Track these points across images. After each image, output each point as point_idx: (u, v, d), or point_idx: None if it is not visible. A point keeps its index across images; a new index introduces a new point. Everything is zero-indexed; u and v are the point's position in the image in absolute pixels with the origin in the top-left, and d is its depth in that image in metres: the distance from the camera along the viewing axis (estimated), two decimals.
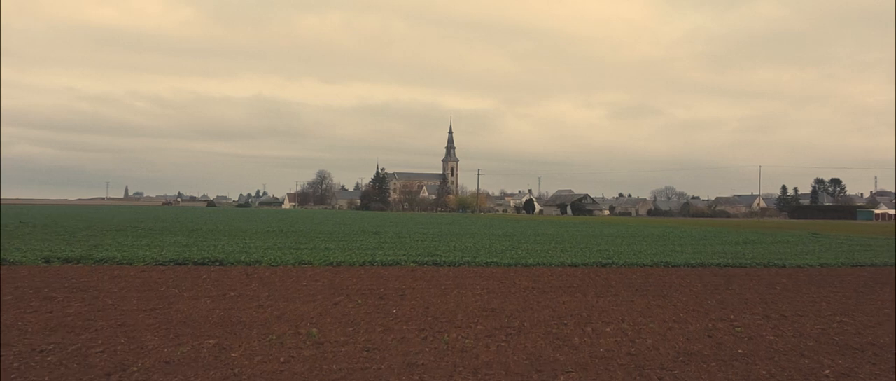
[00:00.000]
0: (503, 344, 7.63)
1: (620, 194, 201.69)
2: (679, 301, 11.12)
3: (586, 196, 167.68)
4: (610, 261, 17.31)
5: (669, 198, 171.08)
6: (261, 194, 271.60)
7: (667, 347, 7.63)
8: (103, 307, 9.43)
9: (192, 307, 9.59)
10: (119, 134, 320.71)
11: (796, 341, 8.14)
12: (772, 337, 8.32)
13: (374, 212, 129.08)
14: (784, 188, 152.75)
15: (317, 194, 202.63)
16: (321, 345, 7.40)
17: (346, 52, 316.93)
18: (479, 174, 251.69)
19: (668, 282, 13.72)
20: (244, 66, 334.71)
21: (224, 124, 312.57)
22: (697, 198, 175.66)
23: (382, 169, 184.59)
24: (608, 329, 8.59)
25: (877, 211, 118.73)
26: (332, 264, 15.63)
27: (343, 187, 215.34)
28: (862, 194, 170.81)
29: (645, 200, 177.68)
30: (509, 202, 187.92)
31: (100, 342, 7.33)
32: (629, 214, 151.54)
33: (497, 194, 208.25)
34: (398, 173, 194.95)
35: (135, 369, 6.31)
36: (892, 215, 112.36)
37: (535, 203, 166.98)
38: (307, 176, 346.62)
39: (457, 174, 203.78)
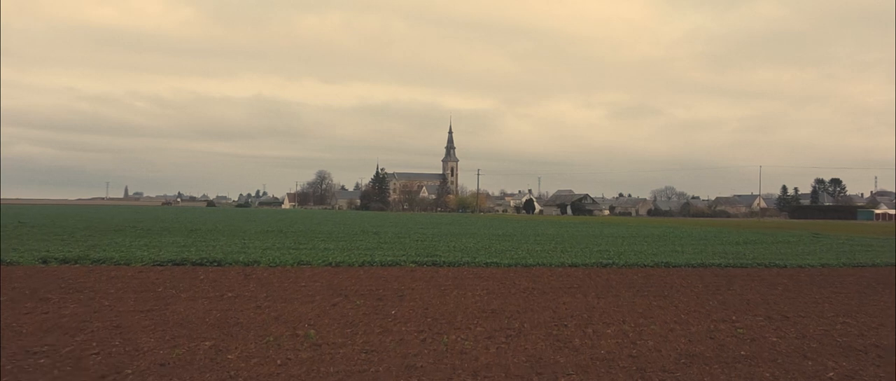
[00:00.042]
0: (503, 346, 7.54)
1: (620, 194, 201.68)
2: (680, 302, 11.04)
3: (586, 196, 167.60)
4: (610, 261, 17.23)
5: (669, 198, 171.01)
6: (261, 194, 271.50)
7: (668, 348, 7.55)
8: (99, 309, 9.34)
9: (188, 308, 9.50)
10: (119, 134, 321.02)
11: (799, 342, 8.06)
12: (774, 339, 8.23)
13: (374, 212, 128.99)
14: (784, 188, 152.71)
15: (316, 194, 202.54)
16: (319, 347, 7.31)
17: (346, 52, 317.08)
18: (478, 174, 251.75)
19: (668, 283, 13.63)
20: (244, 66, 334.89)
21: (224, 124, 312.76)
22: (697, 198, 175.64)
23: (382, 169, 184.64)
24: (609, 331, 8.50)
25: (877, 211, 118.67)
26: (330, 264, 15.55)
27: (343, 187, 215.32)
28: (862, 194, 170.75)
29: (645, 200, 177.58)
30: (509, 202, 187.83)
31: (94, 343, 7.25)
32: (629, 214, 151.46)
33: (497, 194, 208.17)
34: (398, 173, 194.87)
35: (129, 371, 6.23)
36: (892, 215, 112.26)
37: (535, 203, 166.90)
38: (307, 176, 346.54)
39: (457, 174, 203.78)
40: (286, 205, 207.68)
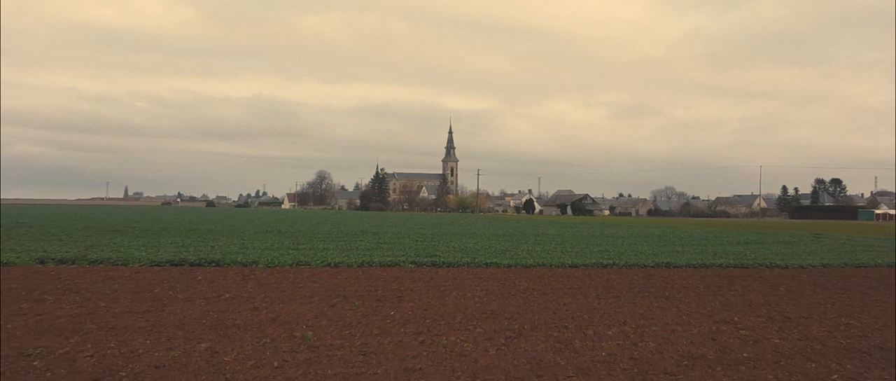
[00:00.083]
0: (503, 348, 7.45)
1: (620, 194, 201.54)
2: (682, 303, 10.95)
3: (586, 196, 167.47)
4: (611, 262, 17.14)
5: (669, 198, 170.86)
6: (260, 194, 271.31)
7: (670, 350, 7.45)
8: (95, 310, 9.25)
9: (185, 310, 9.41)
10: (119, 134, 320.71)
11: (802, 344, 7.97)
12: (777, 340, 8.14)
13: (374, 212, 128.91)
14: (784, 188, 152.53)
15: (316, 194, 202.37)
16: (316, 349, 7.22)
17: (346, 52, 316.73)
18: (478, 174, 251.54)
19: (669, 283, 13.54)
20: (244, 66, 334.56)
21: (224, 124, 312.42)
22: (697, 198, 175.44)
23: (382, 169, 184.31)
24: (610, 332, 8.41)
25: (878, 211, 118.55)
26: (329, 265, 15.46)
27: (343, 188, 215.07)
28: (862, 194, 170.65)
29: (645, 200, 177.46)
30: (509, 202, 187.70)
31: (89, 345, 7.15)
32: (629, 214, 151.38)
33: (497, 194, 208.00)
34: (398, 173, 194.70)
35: (123, 374, 6.14)
36: (892, 215, 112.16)
37: (535, 203, 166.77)
38: (307, 176, 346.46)
39: (457, 174, 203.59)
40: (286, 205, 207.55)
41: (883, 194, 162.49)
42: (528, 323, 8.89)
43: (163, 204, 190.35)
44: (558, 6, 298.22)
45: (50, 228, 30.37)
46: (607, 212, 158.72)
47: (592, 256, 18.92)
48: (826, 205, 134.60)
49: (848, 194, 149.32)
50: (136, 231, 28.73)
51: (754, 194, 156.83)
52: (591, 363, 6.84)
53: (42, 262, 14.80)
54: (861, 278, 15.32)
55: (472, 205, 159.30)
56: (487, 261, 16.63)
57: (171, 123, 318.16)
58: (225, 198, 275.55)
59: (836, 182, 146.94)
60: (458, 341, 7.76)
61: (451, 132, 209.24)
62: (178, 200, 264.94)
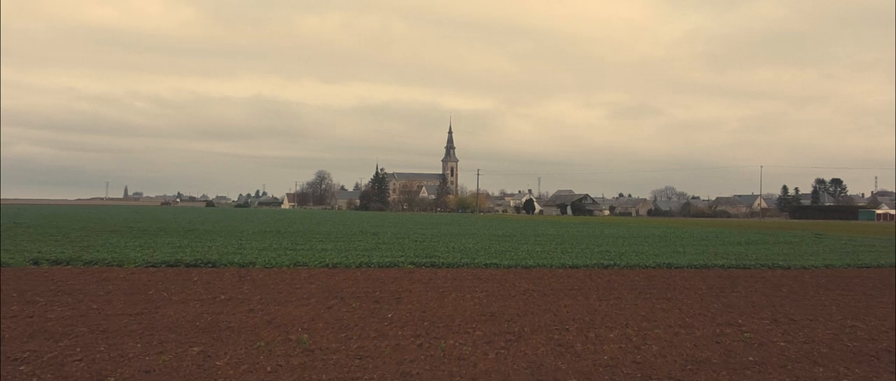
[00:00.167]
0: (502, 351, 7.28)
1: (620, 194, 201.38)
2: (684, 305, 10.77)
3: (586, 196, 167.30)
4: (611, 262, 16.97)
5: (670, 198, 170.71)
6: (260, 194, 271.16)
7: (674, 354, 7.28)
8: (87, 312, 9.08)
9: (179, 312, 9.24)
10: (119, 134, 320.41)
11: (808, 347, 7.79)
12: (782, 343, 7.97)
13: (374, 212, 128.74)
14: (785, 188, 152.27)
15: (316, 194, 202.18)
16: (311, 352, 7.05)
17: (346, 52, 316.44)
18: (478, 174, 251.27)
19: (671, 284, 13.37)
20: (244, 66, 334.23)
21: (224, 124, 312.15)
22: (698, 198, 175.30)
23: (382, 169, 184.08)
24: (612, 335, 8.24)
25: (878, 211, 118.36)
26: (327, 265, 15.29)
27: (342, 188, 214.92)
28: (863, 194, 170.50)
29: (645, 200, 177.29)
30: (509, 202, 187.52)
31: (79, 349, 6.98)
32: (629, 214, 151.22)
33: (497, 194, 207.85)
34: (398, 173, 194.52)
35: (112, 379, 5.97)
36: (893, 215, 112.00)
37: (535, 203, 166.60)
38: (307, 176, 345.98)
39: (456, 174, 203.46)
40: (286, 205, 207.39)
41: (883, 194, 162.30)
42: (529, 325, 8.72)
43: (162, 204, 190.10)
44: (558, 6, 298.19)
45: (47, 228, 30.20)
46: (607, 212, 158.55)
47: (593, 256, 18.76)
48: (826, 205, 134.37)
49: (848, 194, 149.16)
50: (134, 232, 28.56)
51: (755, 194, 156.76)
52: (593, 368, 6.66)
53: (36, 263, 14.64)
54: (864, 279, 15.15)
55: (472, 205, 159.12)
56: (487, 262, 16.47)
57: (171, 123, 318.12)
58: (225, 198, 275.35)
59: (837, 182, 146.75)
60: (457, 344, 7.59)
61: (451, 132, 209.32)
62: (178, 200, 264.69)
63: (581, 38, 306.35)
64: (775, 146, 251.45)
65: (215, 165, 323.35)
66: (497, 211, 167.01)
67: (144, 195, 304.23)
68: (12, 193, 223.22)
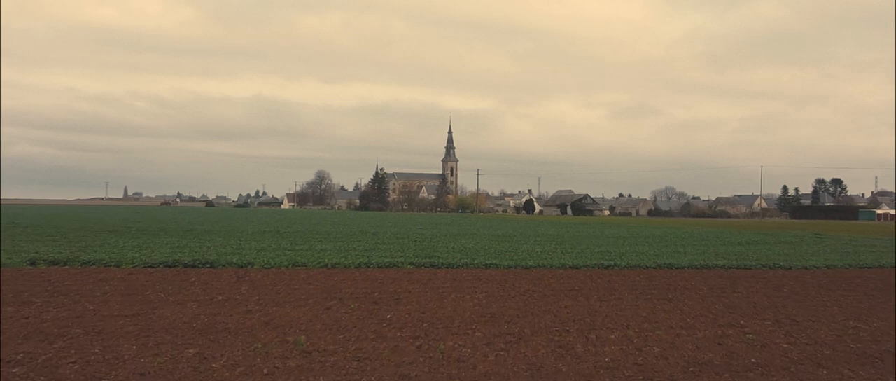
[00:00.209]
0: (502, 353, 7.19)
1: (620, 195, 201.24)
2: (685, 305, 10.69)
3: (586, 196, 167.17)
4: (612, 263, 16.89)
5: (670, 198, 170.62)
6: (260, 194, 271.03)
7: (676, 356, 7.19)
8: (82, 313, 8.99)
9: (176, 313, 9.15)
10: (119, 134, 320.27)
11: (812, 349, 7.71)
12: (785, 345, 7.88)
13: (373, 212, 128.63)
14: (785, 188, 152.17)
15: (316, 194, 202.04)
16: (309, 354, 6.96)
17: (346, 52, 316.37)
18: (478, 174, 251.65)
19: (672, 285, 13.28)
20: (244, 66, 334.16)
21: (224, 124, 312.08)
22: (698, 198, 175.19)
23: (382, 169, 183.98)
24: (613, 336, 8.15)
25: (879, 211, 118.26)
26: (326, 266, 15.20)
27: (342, 188, 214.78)
28: (863, 194, 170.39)
29: (645, 200, 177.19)
30: (509, 202, 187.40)
31: (73, 351, 6.89)
32: (629, 214, 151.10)
33: (497, 194, 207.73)
34: (398, 173, 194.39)
35: None
36: (893, 215, 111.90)
37: (535, 203, 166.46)
38: (307, 176, 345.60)
39: (456, 174, 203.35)
40: (285, 205, 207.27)
41: (884, 194, 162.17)
42: (529, 327, 8.63)
43: (162, 204, 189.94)
44: (558, 6, 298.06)
45: (45, 228, 30.11)
46: (607, 212, 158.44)
47: (593, 256, 18.67)
48: (827, 205, 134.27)
49: (848, 194, 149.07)
50: (133, 232, 28.47)
51: (755, 194, 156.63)
52: (594, 370, 6.58)
53: (33, 263, 14.55)
54: (865, 280, 15.07)
55: (472, 205, 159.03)
56: (487, 262, 16.38)
57: (171, 123, 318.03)
58: (224, 198, 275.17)
59: (837, 182, 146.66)
60: (456, 346, 7.50)
61: (450, 132, 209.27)
62: (178, 200, 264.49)
63: (581, 38, 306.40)
64: (775, 146, 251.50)
65: (215, 165, 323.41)
66: (497, 211, 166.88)
67: (144, 195, 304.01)
68: (12, 193, 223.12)
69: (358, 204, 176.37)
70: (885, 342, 8.17)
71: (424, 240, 25.78)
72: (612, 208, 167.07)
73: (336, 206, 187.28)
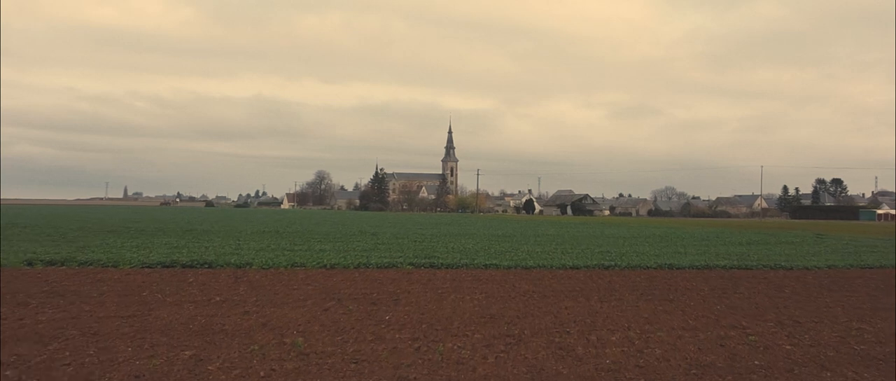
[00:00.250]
0: (502, 355, 7.10)
1: (620, 195, 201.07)
2: (687, 306, 10.60)
3: (586, 196, 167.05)
4: (612, 263, 16.79)
5: (670, 198, 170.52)
6: (260, 194, 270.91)
7: (678, 358, 7.11)
8: (78, 314, 8.90)
9: (172, 314, 9.06)
10: (119, 134, 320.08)
11: (815, 351, 7.62)
12: (788, 347, 7.79)
13: (373, 212, 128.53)
14: (785, 188, 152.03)
15: (316, 194, 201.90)
16: (306, 356, 6.87)
17: (346, 52, 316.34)
18: (478, 174, 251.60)
19: (673, 285, 13.19)
20: (244, 66, 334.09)
21: (224, 124, 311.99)
22: (698, 198, 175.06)
23: (382, 169, 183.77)
24: (614, 338, 8.07)
25: (879, 211, 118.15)
26: (325, 266, 15.10)
27: (342, 188, 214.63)
28: (863, 194, 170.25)
29: (645, 200, 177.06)
30: (509, 202, 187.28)
31: (68, 353, 6.81)
32: (629, 214, 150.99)
33: (497, 194, 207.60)
34: (397, 173, 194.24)
35: None
36: (893, 215, 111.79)
37: (535, 203, 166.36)
38: (307, 176, 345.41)
39: (456, 174, 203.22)
40: (285, 205, 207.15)
41: (884, 194, 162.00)
42: (529, 328, 8.55)
43: (162, 204, 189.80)
44: (558, 6, 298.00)
45: (44, 228, 30.01)
46: (607, 212, 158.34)
47: (593, 257, 18.58)
48: (827, 205, 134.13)
49: (849, 194, 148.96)
50: (131, 232, 28.38)
51: (755, 194, 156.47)
52: (595, 372, 6.49)
53: (30, 263, 14.45)
54: (867, 280, 14.98)
55: (472, 205, 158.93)
56: (486, 262, 16.29)
57: (171, 123, 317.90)
58: (224, 198, 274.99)
59: (837, 182, 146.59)
60: (456, 347, 7.42)
61: (450, 132, 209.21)
62: (177, 200, 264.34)
63: (581, 38, 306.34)
64: (775, 146, 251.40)
65: (215, 165, 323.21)
66: (497, 211, 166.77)
67: (144, 195, 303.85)
68: (12, 193, 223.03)
69: (358, 204, 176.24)
70: (889, 344, 8.09)
71: (424, 240, 25.69)
72: (612, 208, 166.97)
73: (336, 206, 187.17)
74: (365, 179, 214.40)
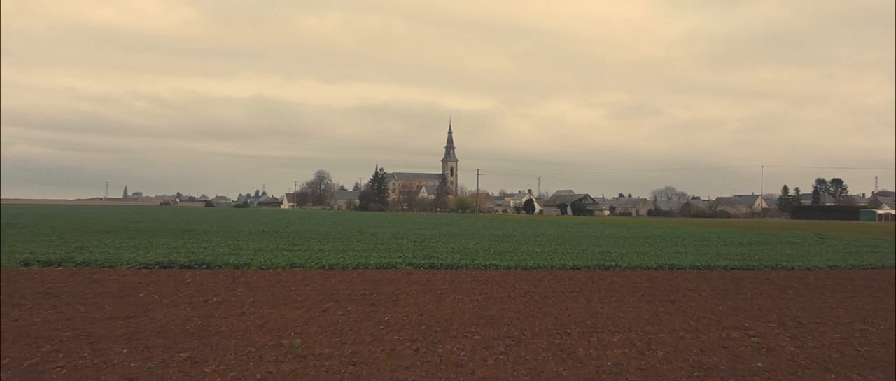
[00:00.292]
0: (502, 357, 7.01)
1: (620, 195, 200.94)
2: (688, 308, 10.50)
3: (586, 196, 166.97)
4: (613, 263, 16.70)
5: (670, 198, 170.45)
6: (260, 194, 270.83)
7: (680, 360, 7.01)
8: (73, 315, 8.81)
9: (169, 315, 8.97)
10: (119, 134, 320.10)
11: (819, 352, 7.53)
12: (792, 348, 7.70)
13: (373, 212, 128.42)
14: (785, 188, 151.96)
15: (316, 194, 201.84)
16: (303, 358, 6.78)
17: (346, 52, 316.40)
18: (478, 174, 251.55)
19: (674, 286, 13.10)
20: (244, 66, 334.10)
21: (224, 124, 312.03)
22: (698, 198, 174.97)
23: (381, 169, 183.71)
24: (615, 339, 7.97)
25: (879, 211, 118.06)
26: (324, 267, 15.01)
27: (342, 188, 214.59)
28: (863, 194, 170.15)
29: (645, 200, 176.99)
30: (509, 202, 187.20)
31: (61, 355, 6.71)
32: (629, 214, 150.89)
33: (497, 194, 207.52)
34: (397, 173, 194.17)
35: None
36: (894, 215, 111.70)
37: (535, 203, 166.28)
38: (307, 176, 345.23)
39: (456, 174, 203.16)
40: (285, 205, 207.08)
41: (884, 194, 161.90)
42: (529, 329, 8.45)
43: (161, 204, 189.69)
44: (558, 6, 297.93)
45: (43, 228, 29.91)
46: (607, 212, 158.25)
47: (594, 257, 18.48)
48: (827, 205, 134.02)
49: (849, 194, 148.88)
50: (130, 232, 28.28)
51: (755, 194, 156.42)
52: (597, 374, 6.40)
53: (27, 264, 14.36)
54: (869, 280, 14.88)
55: (472, 205, 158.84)
56: (486, 263, 16.19)
57: (171, 123, 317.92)
58: (224, 198, 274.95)
59: (837, 182, 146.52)
60: (455, 349, 7.32)
61: (450, 132, 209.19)
62: (177, 200, 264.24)
63: (581, 38, 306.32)
64: (775, 146, 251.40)
65: (215, 165, 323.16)
66: (497, 211, 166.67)
67: (144, 195, 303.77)
68: (12, 193, 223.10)
69: (358, 204, 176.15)
70: (893, 345, 7.99)
71: (424, 240, 25.59)
72: (612, 208, 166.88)
73: (336, 206, 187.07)
74: (365, 179, 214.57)
